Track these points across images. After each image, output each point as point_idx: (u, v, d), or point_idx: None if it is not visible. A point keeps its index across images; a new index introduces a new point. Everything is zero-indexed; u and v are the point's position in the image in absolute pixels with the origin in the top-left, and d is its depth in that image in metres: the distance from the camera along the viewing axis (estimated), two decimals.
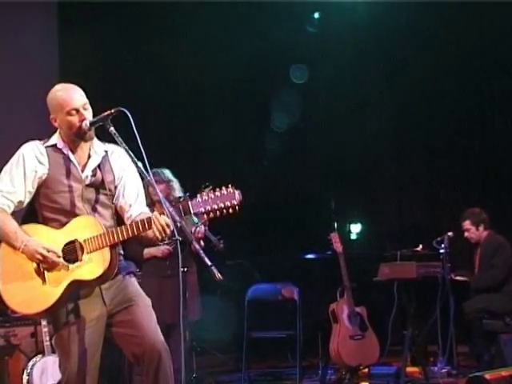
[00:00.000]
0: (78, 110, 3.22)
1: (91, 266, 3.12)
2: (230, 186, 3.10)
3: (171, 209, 3.07)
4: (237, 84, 8.49)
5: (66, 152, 3.30)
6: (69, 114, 3.23)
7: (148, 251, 5.14)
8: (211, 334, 6.60)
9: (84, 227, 3.17)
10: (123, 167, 3.37)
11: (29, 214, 3.34)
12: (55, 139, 3.33)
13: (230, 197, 3.07)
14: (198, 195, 3.10)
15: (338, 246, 6.34)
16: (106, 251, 3.14)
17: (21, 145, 3.35)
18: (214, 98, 8.62)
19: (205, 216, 3.12)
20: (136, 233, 3.12)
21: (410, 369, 6.15)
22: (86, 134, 3.25)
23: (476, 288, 6.37)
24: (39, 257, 3.10)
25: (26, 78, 7.32)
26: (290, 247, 7.92)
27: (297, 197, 8.67)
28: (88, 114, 3.25)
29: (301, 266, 7.48)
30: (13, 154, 3.33)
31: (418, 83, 8.46)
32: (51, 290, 3.12)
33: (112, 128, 3.18)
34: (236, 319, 6.72)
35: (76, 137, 3.27)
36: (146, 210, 3.37)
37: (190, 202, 3.08)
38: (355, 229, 8.77)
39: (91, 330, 3.19)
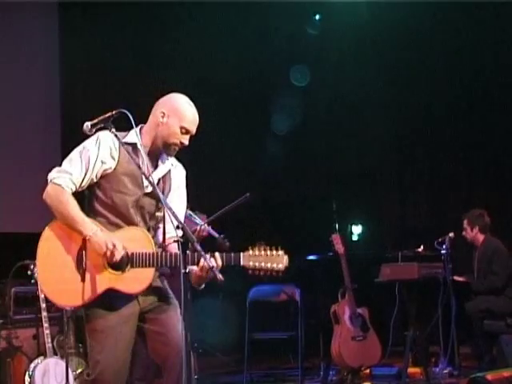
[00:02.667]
0: (188, 132, 3.28)
1: (131, 280, 3.12)
2: (279, 248, 3.16)
3: (173, 211, 3.05)
4: (237, 86, 8.48)
5: (141, 155, 3.22)
6: (180, 127, 3.27)
7: None
8: (213, 336, 6.59)
9: (136, 240, 3.14)
10: (178, 185, 3.36)
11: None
12: (134, 137, 3.23)
13: (278, 260, 3.15)
14: (250, 248, 3.12)
15: (339, 248, 6.34)
16: (150, 270, 3.12)
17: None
18: (214, 99, 8.60)
19: (249, 270, 3.11)
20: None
21: (411, 369, 6.17)
22: (171, 150, 3.27)
23: (476, 292, 6.38)
24: (110, 246, 3.03)
25: (27, 79, 7.32)
26: (291, 248, 7.88)
27: (298, 198, 8.67)
28: (187, 141, 3.31)
29: (302, 267, 7.47)
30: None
31: (419, 84, 8.47)
32: (87, 290, 3.10)
33: (113, 129, 3.15)
34: (237, 320, 6.72)
35: (163, 148, 3.26)
36: (174, 234, 3.11)
37: (242, 254, 3.10)
38: (356, 230, 8.76)
39: (124, 327, 3.19)
